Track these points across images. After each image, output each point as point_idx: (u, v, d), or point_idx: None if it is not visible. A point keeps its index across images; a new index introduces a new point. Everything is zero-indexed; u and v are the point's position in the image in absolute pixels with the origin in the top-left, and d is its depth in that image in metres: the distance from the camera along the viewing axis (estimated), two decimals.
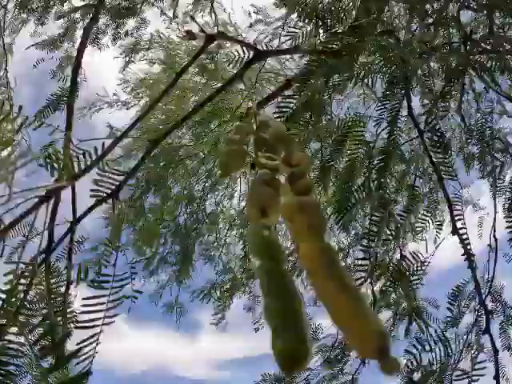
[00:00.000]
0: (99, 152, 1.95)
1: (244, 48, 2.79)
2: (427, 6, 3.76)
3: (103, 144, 2.11)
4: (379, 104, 2.94)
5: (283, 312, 0.78)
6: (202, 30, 2.80)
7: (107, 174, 2.01)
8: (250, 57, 2.77)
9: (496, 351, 2.84)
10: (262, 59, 3.25)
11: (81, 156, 1.90)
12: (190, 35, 2.86)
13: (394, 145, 2.91)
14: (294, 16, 4.87)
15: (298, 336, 0.74)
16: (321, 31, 3.33)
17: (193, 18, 3.72)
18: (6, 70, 5.67)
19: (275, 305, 0.78)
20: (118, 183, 2.18)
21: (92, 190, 2.08)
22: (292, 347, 0.72)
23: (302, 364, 0.71)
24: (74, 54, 3.80)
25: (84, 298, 1.72)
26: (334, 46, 2.82)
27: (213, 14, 5.48)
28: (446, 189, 3.00)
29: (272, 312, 0.78)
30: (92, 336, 1.65)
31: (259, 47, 2.92)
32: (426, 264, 3.04)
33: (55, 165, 1.86)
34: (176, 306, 5.16)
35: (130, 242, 4.90)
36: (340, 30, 3.19)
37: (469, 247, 2.85)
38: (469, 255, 2.81)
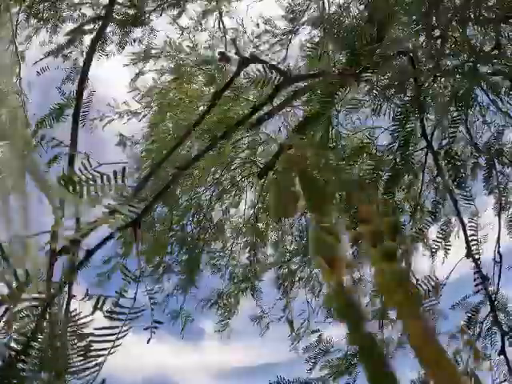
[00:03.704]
0: None
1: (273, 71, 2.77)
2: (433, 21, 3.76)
3: None
4: (392, 129, 2.93)
5: None
6: (237, 53, 2.76)
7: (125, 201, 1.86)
8: (279, 81, 2.75)
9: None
10: (291, 84, 3.25)
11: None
12: (224, 59, 2.86)
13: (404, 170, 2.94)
14: (302, 28, 4.92)
15: None
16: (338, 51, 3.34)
17: (234, 43, 3.73)
18: (18, 77, 5.73)
19: None
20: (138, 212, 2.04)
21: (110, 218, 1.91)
22: None
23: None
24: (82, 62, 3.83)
25: (96, 329, 1.73)
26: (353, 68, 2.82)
27: (220, 23, 5.51)
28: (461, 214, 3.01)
29: None
30: (96, 364, 1.68)
31: (287, 73, 2.91)
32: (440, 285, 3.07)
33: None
34: (182, 314, 5.18)
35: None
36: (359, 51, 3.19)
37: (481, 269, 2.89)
38: (483, 278, 2.84)
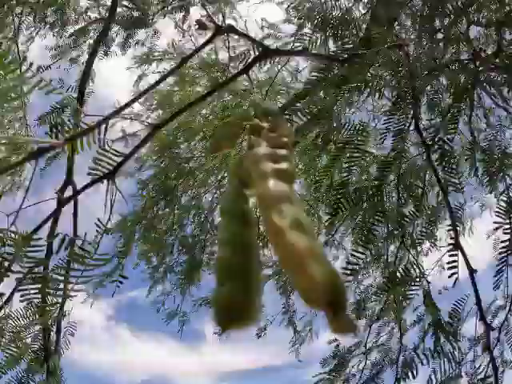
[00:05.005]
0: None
1: (252, 45, 2.77)
2: (437, 23, 3.77)
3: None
4: (385, 117, 2.96)
5: (232, 263, 0.64)
6: (213, 21, 2.75)
7: (107, 153, 2.07)
8: (257, 54, 2.75)
9: (495, 368, 2.83)
10: (269, 58, 3.25)
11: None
12: (200, 26, 2.82)
13: (399, 157, 2.93)
14: (306, 30, 4.92)
15: (242, 286, 0.60)
16: (331, 41, 3.36)
17: (204, 8, 3.70)
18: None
19: (225, 255, 0.64)
20: (115, 164, 2.19)
21: (90, 168, 2.12)
22: (233, 297, 0.57)
23: (242, 319, 0.56)
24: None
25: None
26: (344, 55, 2.83)
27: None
28: (450, 204, 2.98)
29: (221, 261, 0.65)
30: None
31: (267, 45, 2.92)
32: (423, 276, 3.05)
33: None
34: (179, 315, 5.15)
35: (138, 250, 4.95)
36: (351, 41, 3.22)
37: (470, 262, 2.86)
38: (471, 270, 2.81)
